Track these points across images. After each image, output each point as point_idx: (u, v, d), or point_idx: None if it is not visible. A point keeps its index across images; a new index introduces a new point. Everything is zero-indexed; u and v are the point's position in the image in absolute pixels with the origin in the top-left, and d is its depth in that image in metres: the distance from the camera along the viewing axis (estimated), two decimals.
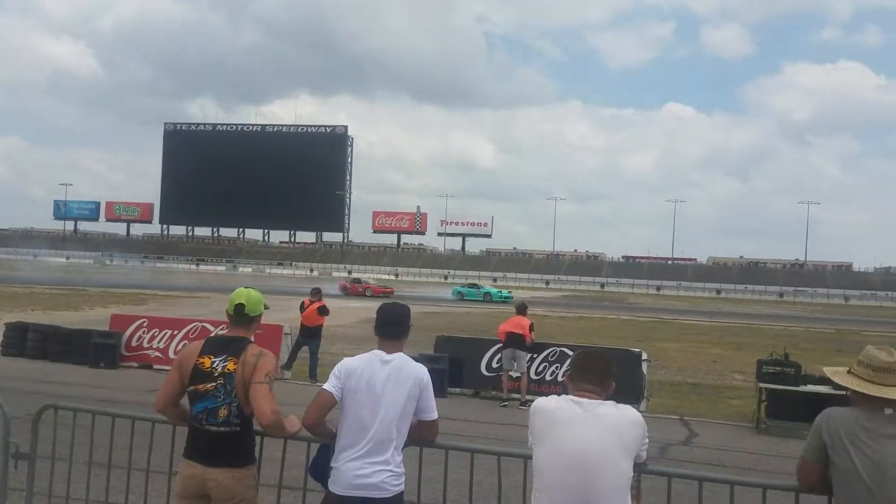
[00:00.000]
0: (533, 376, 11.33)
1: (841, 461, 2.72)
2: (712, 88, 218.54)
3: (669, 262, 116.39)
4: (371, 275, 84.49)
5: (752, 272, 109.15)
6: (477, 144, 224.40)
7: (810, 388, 9.20)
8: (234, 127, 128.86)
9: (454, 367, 11.51)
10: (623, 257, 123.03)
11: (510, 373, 11.05)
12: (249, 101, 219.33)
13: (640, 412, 10.63)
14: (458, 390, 11.58)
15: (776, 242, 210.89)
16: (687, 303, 60.69)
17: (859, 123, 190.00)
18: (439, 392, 10.82)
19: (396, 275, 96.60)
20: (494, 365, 11.63)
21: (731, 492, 3.11)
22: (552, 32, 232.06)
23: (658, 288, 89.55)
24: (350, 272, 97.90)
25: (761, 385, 9.80)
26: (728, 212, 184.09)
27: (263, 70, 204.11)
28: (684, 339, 24.31)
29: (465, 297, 47.76)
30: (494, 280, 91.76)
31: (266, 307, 3.52)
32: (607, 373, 2.88)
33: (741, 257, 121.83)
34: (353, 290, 48.24)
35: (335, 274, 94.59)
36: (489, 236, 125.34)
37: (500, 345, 11.36)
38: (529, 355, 11.23)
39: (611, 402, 2.80)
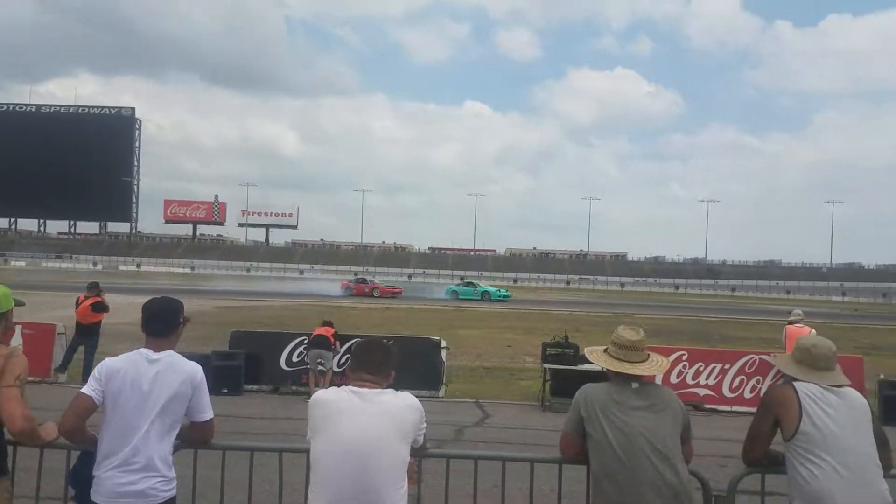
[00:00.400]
0: (336, 369, 11.27)
1: (596, 433, 2.99)
2: (507, 89, 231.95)
3: (472, 252, 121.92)
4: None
5: (543, 262, 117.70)
6: (280, 132, 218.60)
7: (586, 366, 10.07)
8: (5, 107, 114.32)
9: (251, 363, 11.12)
10: (430, 248, 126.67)
11: (318, 368, 10.97)
12: (22, 78, 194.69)
13: (439, 398, 10.87)
14: (255, 387, 11.21)
15: (563, 234, 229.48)
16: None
17: (633, 127, 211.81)
18: (234, 390, 10.57)
19: (192, 268, 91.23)
20: (295, 359, 11.42)
21: (503, 467, 3.31)
22: (354, 22, 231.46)
23: (462, 278, 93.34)
24: (139, 265, 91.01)
25: (545, 366, 10.61)
26: (522, 206, 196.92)
27: (38, 45, 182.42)
28: (483, 325, 25.58)
29: (460, 296, 46.09)
30: (301, 273, 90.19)
31: (19, 303, 3.18)
32: (386, 362, 2.92)
33: (534, 248, 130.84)
34: (359, 290, 44.98)
35: (122, 268, 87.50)
36: (295, 227, 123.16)
37: (302, 338, 11.41)
38: (334, 353, 11.23)
39: (390, 390, 2.84)
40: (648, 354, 3.21)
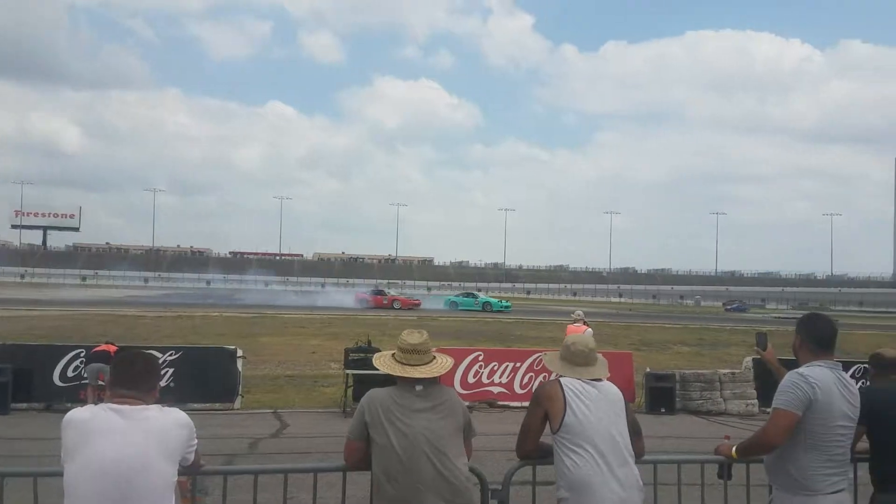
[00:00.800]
0: None
1: (379, 437, 3.02)
2: (312, 92, 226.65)
3: (278, 257, 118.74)
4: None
5: (352, 266, 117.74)
6: (61, 127, 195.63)
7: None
8: None
9: (20, 378, 10.08)
10: (231, 253, 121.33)
11: (98, 383, 10.10)
12: None
13: (235, 410, 10.40)
14: (25, 405, 10.16)
15: (373, 239, 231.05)
16: (293, 297, 62.50)
17: (436, 136, 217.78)
18: (1, 409, 9.37)
19: None
20: (70, 374, 10.41)
21: (285, 480, 3.25)
22: (145, 13, 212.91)
23: (266, 283, 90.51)
24: None
25: (347, 371, 10.60)
26: (331, 210, 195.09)
27: None
28: (286, 332, 24.94)
29: (459, 307, 43.68)
30: (83, 279, 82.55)
31: None
32: (149, 375, 2.73)
33: (343, 253, 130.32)
34: (377, 302, 42.49)
35: None
36: (77, 229, 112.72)
37: (79, 350, 10.60)
38: None
39: (156, 406, 2.66)
40: (434, 356, 3.31)
